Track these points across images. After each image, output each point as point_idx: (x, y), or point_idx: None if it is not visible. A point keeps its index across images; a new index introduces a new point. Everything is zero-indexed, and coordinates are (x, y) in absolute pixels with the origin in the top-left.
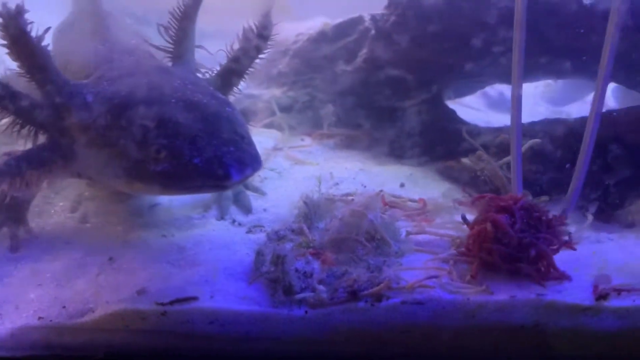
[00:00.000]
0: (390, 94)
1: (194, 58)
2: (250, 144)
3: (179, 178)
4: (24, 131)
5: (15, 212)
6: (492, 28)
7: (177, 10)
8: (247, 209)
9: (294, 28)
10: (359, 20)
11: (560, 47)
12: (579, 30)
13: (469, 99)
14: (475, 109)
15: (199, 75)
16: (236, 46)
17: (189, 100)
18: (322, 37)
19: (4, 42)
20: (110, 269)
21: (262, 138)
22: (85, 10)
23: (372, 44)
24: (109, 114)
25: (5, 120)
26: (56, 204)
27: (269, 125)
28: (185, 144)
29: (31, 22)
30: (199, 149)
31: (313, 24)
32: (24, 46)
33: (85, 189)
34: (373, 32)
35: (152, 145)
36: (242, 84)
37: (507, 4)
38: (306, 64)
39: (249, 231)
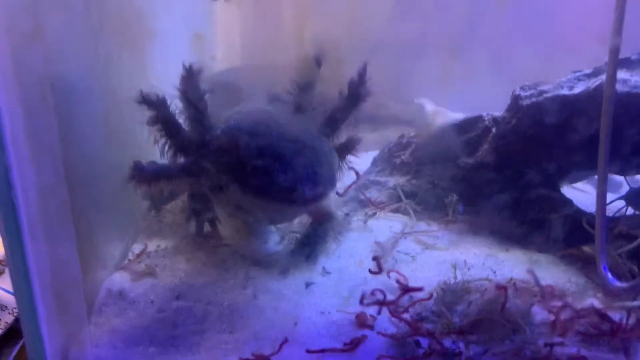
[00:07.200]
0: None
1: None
2: (328, 170)
3: (266, 190)
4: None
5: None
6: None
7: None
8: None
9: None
10: (478, 119)
11: None
12: None
13: (583, 185)
14: (589, 193)
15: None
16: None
17: (284, 132)
18: (442, 132)
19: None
20: None
21: (391, 222)
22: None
23: (493, 141)
24: (228, 143)
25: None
26: None
27: (396, 211)
28: (275, 165)
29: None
30: (284, 170)
31: (440, 119)
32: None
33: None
34: (494, 130)
35: (251, 165)
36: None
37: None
38: (428, 154)
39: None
